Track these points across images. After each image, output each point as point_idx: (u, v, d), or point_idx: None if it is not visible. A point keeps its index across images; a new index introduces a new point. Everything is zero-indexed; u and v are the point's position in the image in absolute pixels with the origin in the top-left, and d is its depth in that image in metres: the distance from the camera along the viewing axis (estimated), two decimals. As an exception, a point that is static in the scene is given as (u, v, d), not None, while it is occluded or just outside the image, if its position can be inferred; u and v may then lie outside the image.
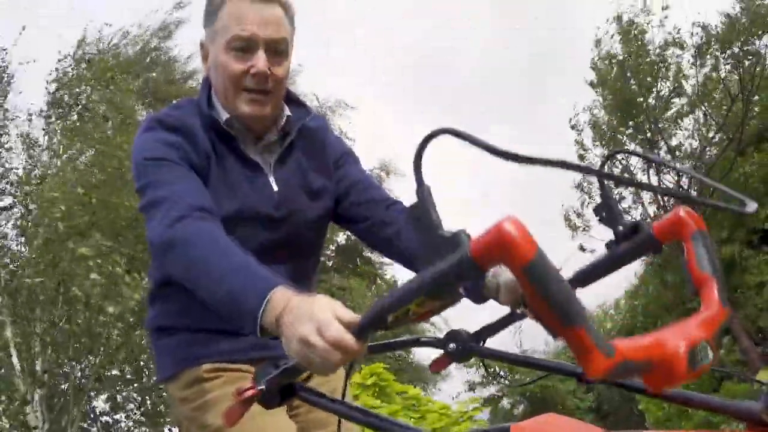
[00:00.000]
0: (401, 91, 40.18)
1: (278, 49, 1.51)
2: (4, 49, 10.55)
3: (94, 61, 11.20)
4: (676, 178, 15.77)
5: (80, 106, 10.40)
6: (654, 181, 15.91)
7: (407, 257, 1.62)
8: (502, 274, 1.43)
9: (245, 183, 1.54)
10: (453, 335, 1.63)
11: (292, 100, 1.66)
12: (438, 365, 1.29)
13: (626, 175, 16.38)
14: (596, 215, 1.19)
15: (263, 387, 1.07)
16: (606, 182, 1.18)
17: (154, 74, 18.86)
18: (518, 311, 1.41)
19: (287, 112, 1.61)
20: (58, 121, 10.30)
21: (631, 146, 16.36)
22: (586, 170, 0.77)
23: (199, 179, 1.45)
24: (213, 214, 1.37)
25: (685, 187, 15.50)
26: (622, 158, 16.41)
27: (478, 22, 41.18)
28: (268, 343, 1.44)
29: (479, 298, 1.47)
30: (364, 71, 37.07)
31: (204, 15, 1.55)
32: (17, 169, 9.80)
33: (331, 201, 1.68)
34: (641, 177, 16.31)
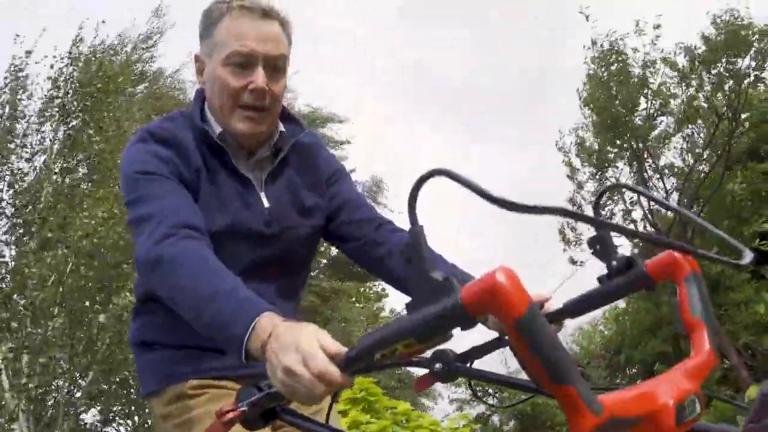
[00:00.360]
0: (401, 91, 40.11)
1: (276, 66, 1.50)
2: (29, 52, 10.47)
3: (95, 62, 11.07)
4: (664, 195, 15.83)
5: (79, 110, 10.31)
6: (646, 205, 15.95)
7: (397, 278, 1.62)
8: None
9: (236, 198, 1.52)
10: (439, 355, 1.63)
11: (286, 116, 1.65)
12: (422, 384, 1.29)
13: (618, 193, 16.46)
14: (590, 248, 1.19)
15: (245, 408, 1.07)
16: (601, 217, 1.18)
17: (141, 87, 18.74)
18: (506, 337, 1.39)
19: (281, 128, 1.61)
20: (52, 125, 10.21)
21: (619, 165, 16.39)
22: (583, 218, 0.78)
23: (189, 195, 1.43)
24: (202, 233, 1.36)
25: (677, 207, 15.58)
26: (612, 172, 16.47)
27: (479, 21, 41.09)
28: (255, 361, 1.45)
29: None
30: (363, 71, 37.15)
31: (201, 28, 1.54)
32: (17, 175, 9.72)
33: (322, 218, 1.66)
34: (633, 198, 16.37)
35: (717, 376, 14.48)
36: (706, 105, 15.26)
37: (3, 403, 8.03)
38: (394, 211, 21.02)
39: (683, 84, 15.00)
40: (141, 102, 17.67)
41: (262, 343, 1.09)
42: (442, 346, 1.63)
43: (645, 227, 16.66)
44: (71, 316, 8.28)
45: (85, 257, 8.31)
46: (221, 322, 1.17)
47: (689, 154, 15.98)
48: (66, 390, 8.60)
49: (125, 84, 11.59)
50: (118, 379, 9.52)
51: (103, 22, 11.85)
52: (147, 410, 9.88)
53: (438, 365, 1.60)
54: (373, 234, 1.65)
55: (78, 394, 8.90)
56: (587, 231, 16.90)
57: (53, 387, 8.76)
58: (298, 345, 1.02)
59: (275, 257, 1.56)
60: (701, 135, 15.60)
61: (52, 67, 10.54)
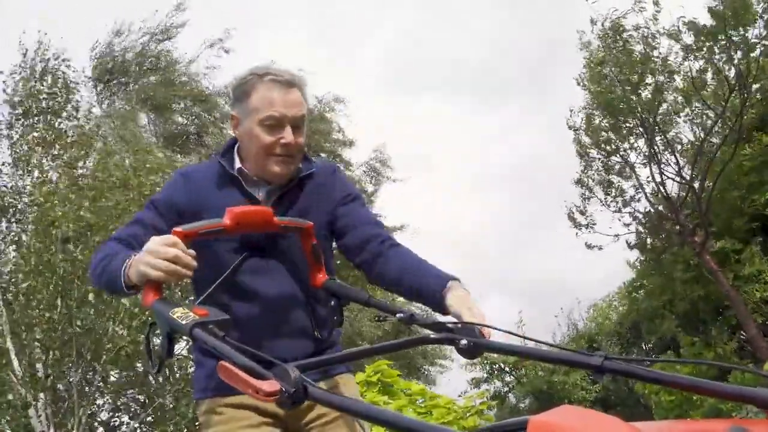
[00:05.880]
0: (407, 71, 39.42)
1: (298, 124, 1.92)
2: None
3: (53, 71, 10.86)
4: (676, 169, 15.70)
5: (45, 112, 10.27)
6: (656, 173, 15.82)
7: (394, 285, 1.92)
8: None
9: None
10: (463, 331, 1.62)
11: (305, 156, 2.05)
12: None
13: (627, 168, 16.35)
14: None
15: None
16: None
17: (152, 78, 18.78)
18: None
19: (300, 164, 2.00)
20: (22, 136, 10.13)
21: (628, 144, 16.23)
22: None
23: (152, 220, 1.91)
24: (124, 241, 1.86)
25: (687, 178, 15.42)
26: (623, 152, 16.34)
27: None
28: None
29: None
30: (371, 53, 36.74)
31: (235, 94, 1.98)
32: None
33: (324, 233, 1.99)
34: (642, 170, 16.24)
35: (732, 348, 14.47)
36: (715, 77, 15.03)
37: (17, 393, 8.11)
38: (396, 181, 21.07)
39: (690, 57, 14.75)
40: (154, 88, 17.78)
41: (128, 271, 1.66)
42: (468, 321, 1.62)
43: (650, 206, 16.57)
44: (68, 306, 8.32)
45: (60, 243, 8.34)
46: (113, 273, 1.72)
47: (699, 128, 15.79)
48: (78, 378, 8.63)
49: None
50: (128, 365, 9.53)
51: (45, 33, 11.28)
52: (162, 397, 9.94)
53: (464, 342, 1.60)
54: (377, 248, 1.94)
55: (91, 377, 8.94)
56: (598, 212, 16.82)
57: (65, 374, 8.80)
58: (145, 248, 1.62)
59: (272, 261, 1.93)
60: (713, 108, 15.30)
61: (4, 91, 10.45)
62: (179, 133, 18.90)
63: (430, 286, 1.76)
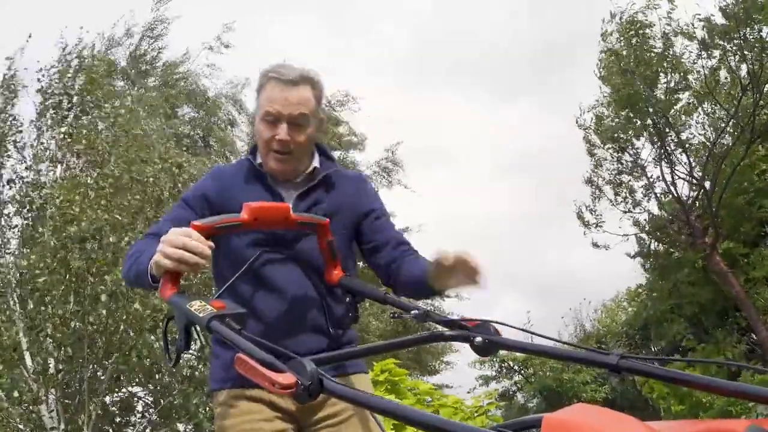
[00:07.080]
0: (427, 62, 39.26)
1: (298, 123, 1.96)
2: (9, 58, 10.54)
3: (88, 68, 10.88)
4: (688, 169, 15.60)
5: (74, 109, 10.29)
6: (667, 173, 15.73)
7: (402, 285, 2.00)
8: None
9: None
10: (478, 329, 1.62)
11: (327, 155, 2.13)
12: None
13: (637, 166, 16.27)
14: None
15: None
16: None
17: (152, 79, 18.59)
18: None
19: (316, 163, 2.06)
20: (52, 128, 10.15)
21: (640, 142, 16.16)
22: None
23: (183, 215, 1.94)
24: (153, 234, 1.88)
25: (699, 178, 15.33)
26: (634, 150, 16.25)
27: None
28: None
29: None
30: (386, 45, 36.65)
31: (256, 91, 2.07)
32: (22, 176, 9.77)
33: (347, 235, 2.06)
34: (653, 168, 16.16)
35: (741, 351, 14.37)
36: (728, 77, 14.91)
37: (29, 389, 8.14)
38: (408, 188, 20.98)
39: (703, 56, 14.63)
40: (155, 96, 17.51)
41: (153, 265, 1.65)
42: (483, 319, 1.62)
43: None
44: (81, 303, 8.34)
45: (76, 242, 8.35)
46: (141, 268, 1.73)
47: (711, 129, 15.67)
48: (90, 373, 8.65)
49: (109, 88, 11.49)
50: (137, 364, 9.54)
51: (83, 28, 11.38)
52: (171, 394, 9.96)
53: (479, 339, 1.60)
54: (399, 262, 2.00)
55: (102, 375, 8.95)
56: (608, 210, 16.73)
57: (76, 371, 8.81)
58: (164, 239, 1.62)
59: (292, 255, 1.95)
60: (725, 108, 15.16)
61: (39, 80, 10.47)
62: (183, 136, 18.73)
63: (421, 266, 1.90)
